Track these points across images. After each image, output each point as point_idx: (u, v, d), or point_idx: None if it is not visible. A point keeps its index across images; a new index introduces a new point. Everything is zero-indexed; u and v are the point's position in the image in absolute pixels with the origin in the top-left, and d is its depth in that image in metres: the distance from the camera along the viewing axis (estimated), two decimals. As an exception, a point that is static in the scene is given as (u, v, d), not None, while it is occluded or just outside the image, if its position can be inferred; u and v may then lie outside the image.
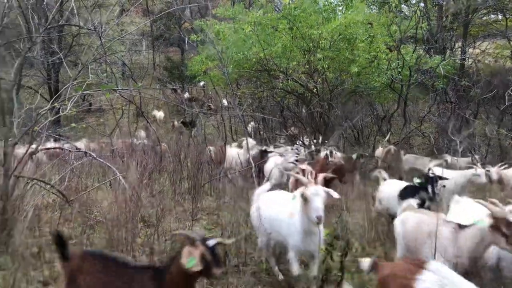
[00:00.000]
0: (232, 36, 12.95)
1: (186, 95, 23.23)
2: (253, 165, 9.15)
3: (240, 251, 5.79)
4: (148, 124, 12.95)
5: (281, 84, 13.55)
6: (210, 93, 22.65)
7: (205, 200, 8.98)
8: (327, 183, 7.15)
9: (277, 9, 14.83)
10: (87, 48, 12.38)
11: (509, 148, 13.77)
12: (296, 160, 9.14)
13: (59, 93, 6.27)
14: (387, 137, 12.34)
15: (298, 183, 6.44)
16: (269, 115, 13.15)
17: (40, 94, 18.68)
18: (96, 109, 22.98)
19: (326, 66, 12.49)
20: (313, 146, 10.76)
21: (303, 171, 6.89)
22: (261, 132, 15.37)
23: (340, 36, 11.89)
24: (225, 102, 22.37)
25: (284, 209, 5.00)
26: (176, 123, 19.52)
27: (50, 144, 10.19)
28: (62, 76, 20.08)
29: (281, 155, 9.78)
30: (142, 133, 16.47)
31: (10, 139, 6.15)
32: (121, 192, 7.09)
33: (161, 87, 18.43)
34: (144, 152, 10.70)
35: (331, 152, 9.38)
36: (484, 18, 22.27)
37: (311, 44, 12.19)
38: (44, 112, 5.81)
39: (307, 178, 5.08)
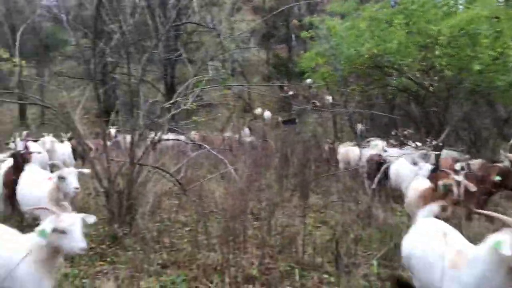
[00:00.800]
0: (344, 32, 12.68)
1: (291, 92, 23.35)
2: (365, 165, 8.89)
3: (350, 252, 5.67)
4: (254, 119, 13.25)
5: (394, 82, 13.00)
6: (315, 90, 22.56)
7: (311, 197, 8.96)
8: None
9: (393, 3, 14.22)
10: (202, 46, 13.00)
11: None
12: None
13: (181, 88, 6.62)
14: (511, 142, 11.23)
15: (427, 198, 5.64)
16: (380, 113, 12.68)
17: (157, 89, 20.01)
18: (206, 104, 24.06)
19: (444, 63, 11.71)
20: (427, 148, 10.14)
21: (458, 183, 5.56)
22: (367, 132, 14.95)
23: (462, 32, 11.06)
24: (330, 99, 22.10)
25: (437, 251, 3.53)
26: (279, 119, 19.68)
27: (169, 136, 10.86)
28: (178, 72, 21.30)
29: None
30: (247, 131, 16.85)
31: (136, 130, 6.65)
32: (232, 184, 7.35)
33: (271, 84, 18.69)
34: (252, 147, 10.97)
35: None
36: None
37: (428, 40, 11.50)
38: (168, 105, 6.18)
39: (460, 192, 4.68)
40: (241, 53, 21.07)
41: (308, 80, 22.04)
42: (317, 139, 12.09)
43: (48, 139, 10.01)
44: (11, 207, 6.66)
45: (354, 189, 8.64)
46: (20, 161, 6.55)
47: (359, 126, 12.90)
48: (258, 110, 17.35)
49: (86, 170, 6.00)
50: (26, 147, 7.64)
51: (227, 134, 13.47)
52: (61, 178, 5.65)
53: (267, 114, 17.90)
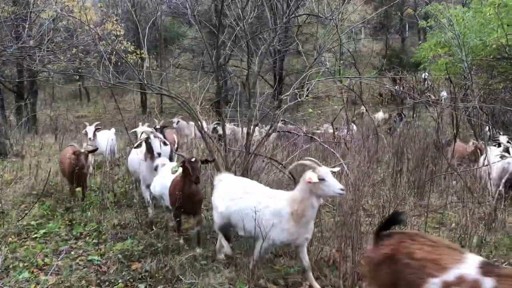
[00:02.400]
0: (468, 21, 11.79)
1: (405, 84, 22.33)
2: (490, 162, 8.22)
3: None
4: (367, 112, 12.86)
5: (523, 73, 11.84)
6: (430, 83, 21.33)
7: (430, 197, 8.50)
8: None
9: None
10: (315, 37, 12.89)
11: None
12: None
13: (298, 80, 6.65)
14: None
15: None
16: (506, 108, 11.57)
17: (266, 81, 20.35)
18: (313, 97, 23.91)
19: None
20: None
21: None
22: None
23: None
24: (444, 94, 20.71)
25: None
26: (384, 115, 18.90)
27: (283, 128, 11.02)
28: (286, 64, 21.45)
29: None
30: (354, 127, 16.43)
31: (252, 121, 6.83)
32: (344, 178, 7.23)
33: (386, 76, 18.06)
34: (363, 141, 10.67)
35: None
36: None
37: None
38: (284, 97, 6.25)
39: None
40: (353, 44, 20.62)
41: (423, 75, 20.97)
42: (435, 135, 11.36)
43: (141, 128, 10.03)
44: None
45: (476, 190, 8.01)
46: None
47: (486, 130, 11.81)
48: (362, 109, 16.75)
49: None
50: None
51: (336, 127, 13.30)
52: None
53: (380, 115, 16.96)
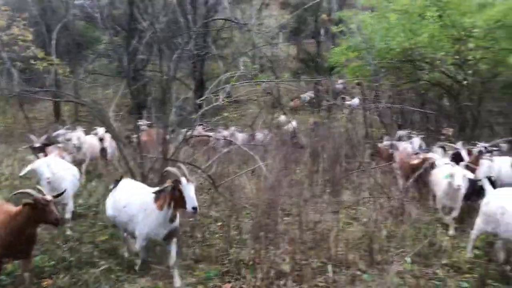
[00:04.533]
0: (375, 26, 12.51)
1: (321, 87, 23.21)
2: (396, 159, 8.76)
3: (383, 249, 5.62)
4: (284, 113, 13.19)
5: (426, 76, 12.75)
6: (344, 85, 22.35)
7: (343, 193, 8.89)
8: None
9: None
10: (230, 42, 13.01)
11: None
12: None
13: (213, 85, 6.67)
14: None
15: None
16: (414, 108, 12.46)
17: (186, 85, 20.16)
18: (234, 101, 24.06)
19: (479, 56, 11.45)
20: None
21: None
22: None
23: (498, 24, 10.77)
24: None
25: None
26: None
27: (200, 132, 10.95)
28: (207, 69, 21.37)
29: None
30: (283, 117, 16.56)
31: (168, 126, 6.74)
32: (262, 180, 7.38)
33: (300, 79, 18.57)
34: (283, 143, 10.95)
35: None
36: None
37: (462, 33, 11.25)
38: (200, 102, 6.24)
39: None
40: (270, 49, 21.03)
41: (340, 81, 21.92)
42: (348, 134, 11.93)
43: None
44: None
45: (386, 186, 8.51)
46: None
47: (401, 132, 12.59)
48: (282, 118, 16.93)
49: None
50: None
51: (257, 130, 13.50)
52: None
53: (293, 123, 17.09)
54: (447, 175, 6.41)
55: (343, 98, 19.70)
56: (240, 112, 17.27)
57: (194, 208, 4.44)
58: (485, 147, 8.46)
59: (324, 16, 27.34)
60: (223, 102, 6.28)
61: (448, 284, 4.88)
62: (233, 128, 12.83)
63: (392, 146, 9.80)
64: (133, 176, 6.41)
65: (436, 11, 11.33)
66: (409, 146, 9.74)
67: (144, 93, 16.99)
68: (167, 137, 6.61)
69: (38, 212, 4.17)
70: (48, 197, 4.29)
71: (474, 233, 5.53)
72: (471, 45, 11.27)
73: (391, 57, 12.27)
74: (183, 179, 4.52)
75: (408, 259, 5.31)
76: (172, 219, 4.74)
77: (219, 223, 6.77)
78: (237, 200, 7.35)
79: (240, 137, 12.29)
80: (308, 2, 17.91)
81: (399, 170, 8.79)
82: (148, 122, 10.41)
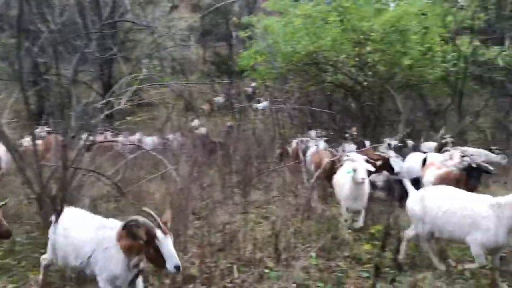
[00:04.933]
0: (281, 30, 12.87)
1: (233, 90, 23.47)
2: (302, 158, 9.06)
3: (289, 246, 5.76)
4: (197, 116, 13.14)
5: (330, 78, 13.35)
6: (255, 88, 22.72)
7: (254, 193, 9.03)
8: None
9: (327, 1, 14.56)
10: (139, 44, 12.70)
11: None
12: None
13: (114, 88, 6.44)
14: (441, 132, 11.90)
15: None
16: (318, 109, 12.98)
17: (94, 89, 19.34)
18: (146, 104, 23.47)
19: (377, 59, 12.21)
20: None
21: None
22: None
23: (392, 28, 11.58)
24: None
25: None
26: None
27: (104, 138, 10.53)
28: (115, 71, 20.65)
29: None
30: (196, 122, 16.50)
31: (68, 132, 6.40)
32: (172, 184, 7.26)
33: (210, 81, 18.52)
34: (194, 146, 10.86)
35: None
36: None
37: (361, 37, 11.94)
38: (100, 106, 6.00)
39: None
40: (181, 51, 20.84)
41: (252, 84, 22.23)
42: (257, 136, 12.15)
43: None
44: None
45: (294, 184, 8.78)
46: None
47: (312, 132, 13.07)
48: (195, 122, 16.80)
49: None
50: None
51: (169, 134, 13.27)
52: None
53: (203, 129, 16.83)
54: (350, 170, 6.44)
55: (258, 101, 20.01)
56: (151, 115, 16.86)
57: (177, 267, 3.56)
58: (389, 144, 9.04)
59: (234, 19, 27.64)
60: (126, 105, 6.07)
61: (350, 275, 5.12)
62: (138, 133, 12.49)
63: (300, 145, 10.15)
64: (30, 187, 6.01)
65: (338, 16, 11.91)
66: (316, 146, 10.14)
67: (47, 99, 16.04)
68: (67, 143, 6.26)
69: None
70: None
71: (409, 233, 5.45)
72: (369, 48, 11.99)
73: (297, 60, 12.68)
74: (158, 232, 3.58)
75: (313, 254, 5.49)
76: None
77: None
78: (146, 206, 7.15)
79: (150, 141, 12.01)
80: (218, 4, 18.00)
81: (313, 169, 9.04)
82: (48, 129, 9.82)
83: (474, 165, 6.68)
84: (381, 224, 6.36)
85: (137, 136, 12.24)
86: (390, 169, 8.34)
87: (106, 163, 8.64)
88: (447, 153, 8.23)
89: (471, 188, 6.09)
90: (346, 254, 5.71)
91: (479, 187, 6.88)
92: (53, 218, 4.53)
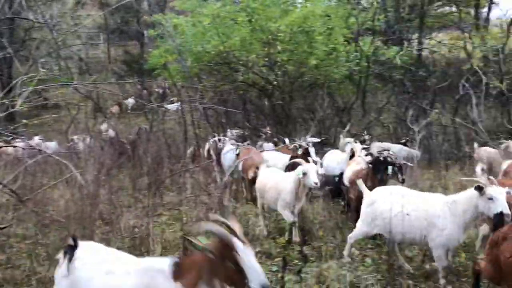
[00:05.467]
0: (190, 29, 12.76)
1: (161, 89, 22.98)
2: (214, 158, 9.07)
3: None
4: (106, 118, 12.67)
5: (241, 77, 13.49)
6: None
7: (167, 195, 8.89)
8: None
9: (236, 1, 14.71)
10: (39, 42, 11.99)
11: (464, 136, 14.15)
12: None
13: (6, 89, 6.02)
14: (346, 128, 12.52)
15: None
16: (232, 109, 13.05)
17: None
18: (52, 106, 22.18)
19: (286, 58, 12.54)
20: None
21: None
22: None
23: (299, 29, 11.95)
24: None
25: None
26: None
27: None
28: (15, 72, 19.31)
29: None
30: (105, 126, 15.94)
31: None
32: (78, 189, 6.93)
33: (118, 81, 17.87)
34: (102, 148, 10.44)
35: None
36: (439, 10, 23.10)
37: (270, 37, 12.19)
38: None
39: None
40: (88, 50, 19.95)
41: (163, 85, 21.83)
42: (167, 136, 11.98)
43: None
44: None
45: (207, 184, 8.76)
46: None
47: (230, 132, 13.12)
48: (103, 126, 16.13)
49: None
50: None
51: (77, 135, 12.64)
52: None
53: (111, 132, 16.05)
54: (299, 172, 5.91)
55: (172, 102, 19.68)
56: (57, 118, 15.99)
57: (265, 286, 2.75)
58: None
59: (145, 17, 27.02)
60: (22, 107, 5.70)
61: (261, 270, 5.21)
62: (37, 137, 11.71)
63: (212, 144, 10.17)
64: None
65: (246, 16, 12.06)
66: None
67: None
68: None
69: None
70: None
71: (353, 236, 5.39)
72: (278, 48, 12.29)
73: (208, 60, 12.67)
74: (237, 243, 2.78)
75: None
76: None
77: (27, 241, 6.16)
78: (48, 214, 6.78)
79: (53, 145, 11.35)
80: (126, 2, 17.47)
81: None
82: None
83: (381, 159, 6.60)
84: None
85: (36, 139, 11.47)
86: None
87: (3, 169, 8.05)
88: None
89: (379, 182, 6.22)
90: (258, 249, 5.81)
91: (387, 180, 6.69)
92: (62, 255, 3.38)
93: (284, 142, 10.77)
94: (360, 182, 5.58)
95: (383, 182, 6.29)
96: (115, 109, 20.73)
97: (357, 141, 9.90)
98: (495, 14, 22.07)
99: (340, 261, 5.28)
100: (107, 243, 5.59)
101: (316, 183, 5.81)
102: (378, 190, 5.33)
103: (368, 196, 5.27)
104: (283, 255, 5.14)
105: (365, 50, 13.62)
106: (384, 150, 7.11)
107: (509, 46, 17.93)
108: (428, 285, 4.88)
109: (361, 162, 7.34)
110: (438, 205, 4.66)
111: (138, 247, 5.64)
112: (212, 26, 12.29)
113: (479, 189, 4.35)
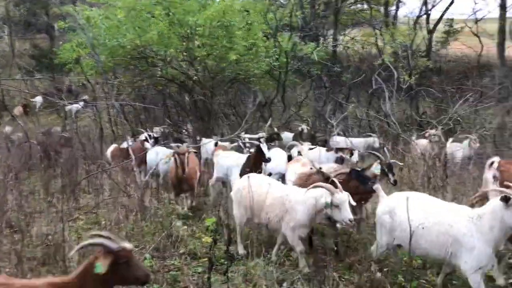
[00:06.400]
0: (104, 22, 12.11)
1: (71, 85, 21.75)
2: (133, 157, 8.73)
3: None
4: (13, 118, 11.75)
5: (160, 72, 13.09)
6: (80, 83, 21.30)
7: (83, 198, 8.43)
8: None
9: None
10: None
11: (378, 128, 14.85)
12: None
13: None
14: (268, 123, 12.63)
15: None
16: (150, 105, 12.64)
17: None
18: None
19: (205, 53, 12.36)
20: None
21: None
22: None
23: (218, 23, 11.82)
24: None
25: None
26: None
27: None
28: None
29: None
30: (7, 128, 14.87)
31: None
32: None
33: (24, 77, 16.62)
34: (8, 150, 9.68)
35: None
36: (352, 7, 24.21)
37: (188, 31, 11.93)
38: None
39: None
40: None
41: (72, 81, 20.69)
42: (81, 135, 11.37)
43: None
44: None
45: (126, 184, 8.41)
46: None
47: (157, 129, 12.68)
48: (7, 128, 14.96)
49: None
50: None
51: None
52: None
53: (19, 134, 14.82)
54: (326, 203, 4.92)
55: (84, 100, 18.69)
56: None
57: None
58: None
59: (55, 9, 25.44)
60: None
61: (185, 272, 5.07)
62: None
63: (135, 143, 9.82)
64: None
65: (163, 9, 11.70)
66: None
67: None
68: None
69: None
70: None
71: (378, 252, 4.91)
72: (197, 42, 12.07)
73: (124, 54, 12.15)
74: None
75: (147, 255, 5.31)
76: None
77: None
78: None
79: None
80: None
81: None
82: None
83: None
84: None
85: None
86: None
87: None
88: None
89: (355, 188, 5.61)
90: (182, 251, 5.68)
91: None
92: None
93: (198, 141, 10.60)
94: (377, 187, 5.09)
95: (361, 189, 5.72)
96: (18, 110, 19.24)
97: (301, 142, 9.98)
98: (402, 12, 23.55)
99: (266, 258, 5.27)
100: (17, 253, 5.17)
101: (351, 220, 4.75)
102: (396, 196, 4.81)
103: (385, 202, 4.82)
104: (209, 256, 5.03)
105: (283, 46, 13.81)
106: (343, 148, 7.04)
107: (416, 43, 19.20)
108: (351, 276, 5.03)
109: (307, 163, 6.97)
110: (462, 221, 4.13)
111: (53, 255, 5.26)
112: (128, 20, 11.77)
113: (506, 199, 3.86)
